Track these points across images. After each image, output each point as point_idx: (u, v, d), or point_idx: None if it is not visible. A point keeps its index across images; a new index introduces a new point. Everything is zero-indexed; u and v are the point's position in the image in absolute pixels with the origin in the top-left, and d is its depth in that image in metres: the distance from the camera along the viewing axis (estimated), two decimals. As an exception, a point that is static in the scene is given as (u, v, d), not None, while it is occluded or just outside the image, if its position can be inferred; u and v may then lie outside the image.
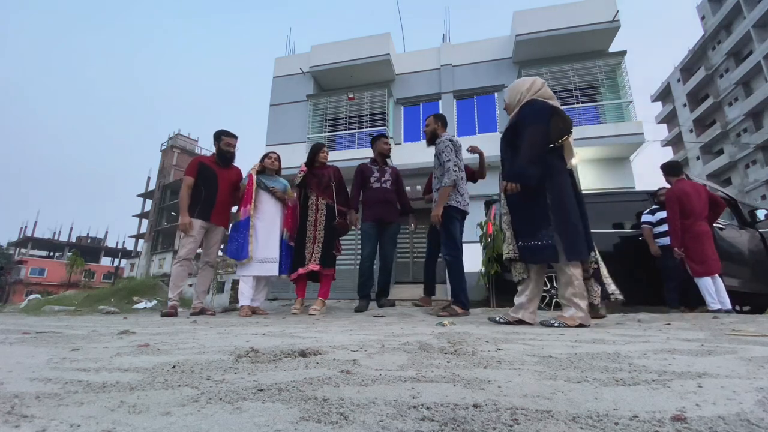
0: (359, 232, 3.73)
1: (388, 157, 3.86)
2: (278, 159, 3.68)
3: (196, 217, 3.37)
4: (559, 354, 1.11)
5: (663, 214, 3.83)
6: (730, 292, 3.40)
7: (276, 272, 3.34)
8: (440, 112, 9.08)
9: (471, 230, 4.32)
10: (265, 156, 3.65)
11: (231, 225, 3.49)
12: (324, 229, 3.41)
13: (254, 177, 3.44)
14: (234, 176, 3.60)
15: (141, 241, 36.45)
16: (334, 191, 3.53)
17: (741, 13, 26.13)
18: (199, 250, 3.60)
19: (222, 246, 4.15)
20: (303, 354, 1.08)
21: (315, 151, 3.63)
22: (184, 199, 3.36)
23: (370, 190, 3.61)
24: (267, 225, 3.39)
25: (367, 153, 8.27)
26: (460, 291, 2.94)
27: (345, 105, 9.24)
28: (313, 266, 3.29)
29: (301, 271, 3.31)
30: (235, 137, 3.63)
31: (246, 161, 4.08)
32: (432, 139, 3.24)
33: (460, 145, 3.15)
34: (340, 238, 3.62)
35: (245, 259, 3.24)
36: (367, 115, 9.01)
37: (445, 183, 2.93)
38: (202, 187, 3.43)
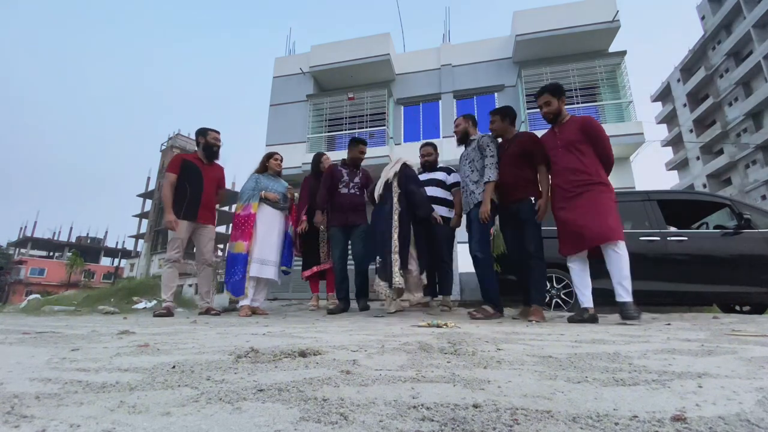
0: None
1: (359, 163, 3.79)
2: (281, 160, 3.79)
3: (182, 218, 3.31)
4: (559, 354, 1.11)
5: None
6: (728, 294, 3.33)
7: (272, 275, 3.39)
8: (440, 112, 9.09)
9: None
10: (271, 157, 3.69)
11: (227, 256, 3.41)
12: None
13: (256, 211, 3.37)
14: (217, 173, 3.58)
15: (141, 241, 36.42)
16: None
17: (741, 13, 26.13)
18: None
19: (222, 246, 4.20)
20: (303, 354, 1.08)
21: (316, 160, 3.99)
22: (167, 197, 3.29)
23: (338, 195, 3.57)
24: (266, 226, 3.43)
25: (367, 153, 8.28)
26: (492, 290, 2.87)
27: (345, 105, 9.24)
28: (328, 264, 3.74)
29: (315, 269, 3.74)
30: (219, 132, 3.59)
31: (245, 161, 4.08)
32: (463, 139, 3.21)
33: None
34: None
35: (241, 296, 3.29)
36: (367, 115, 9.01)
37: (491, 178, 2.79)
38: (187, 185, 3.34)
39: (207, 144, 3.49)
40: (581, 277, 2.58)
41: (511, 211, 2.86)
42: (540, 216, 2.72)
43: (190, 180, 3.36)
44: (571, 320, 2.51)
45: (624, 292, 2.35)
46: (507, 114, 2.97)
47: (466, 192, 3.04)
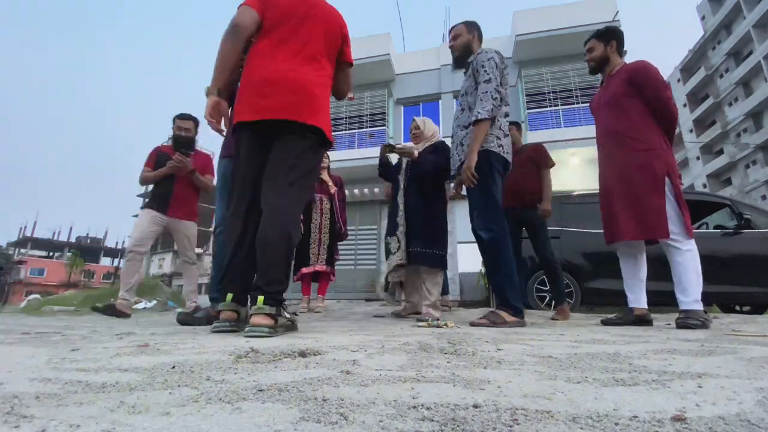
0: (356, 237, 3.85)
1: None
2: None
3: (152, 209, 3.11)
4: (559, 354, 1.11)
5: None
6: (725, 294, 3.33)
7: None
8: (440, 112, 9.08)
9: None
10: None
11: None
12: (328, 232, 3.66)
13: None
14: (198, 163, 3.17)
15: (141, 241, 36.40)
16: (337, 198, 3.76)
17: (741, 13, 26.13)
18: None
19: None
20: (303, 354, 1.08)
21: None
22: (149, 180, 3.11)
23: None
24: None
25: (367, 153, 8.33)
26: (506, 287, 1.90)
27: (345, 105, 9.24)
28: (320, 267, 3.56)
29: (304, 270, 3.53)
30: (189, 119, 3.17)
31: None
32: (462, 58, 2.16)
33: (506, 66, 2.04)
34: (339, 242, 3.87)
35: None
36: (367, 115, 9.02)
37: (479, 114, 1.86)
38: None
39: (173, 134, 3.14)
40: (631, 271, 2.10)
41: (516, 216, 2.87)
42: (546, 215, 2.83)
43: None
44: (606, 323, 2.08)
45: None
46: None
47: (454, 145, 2.14)
